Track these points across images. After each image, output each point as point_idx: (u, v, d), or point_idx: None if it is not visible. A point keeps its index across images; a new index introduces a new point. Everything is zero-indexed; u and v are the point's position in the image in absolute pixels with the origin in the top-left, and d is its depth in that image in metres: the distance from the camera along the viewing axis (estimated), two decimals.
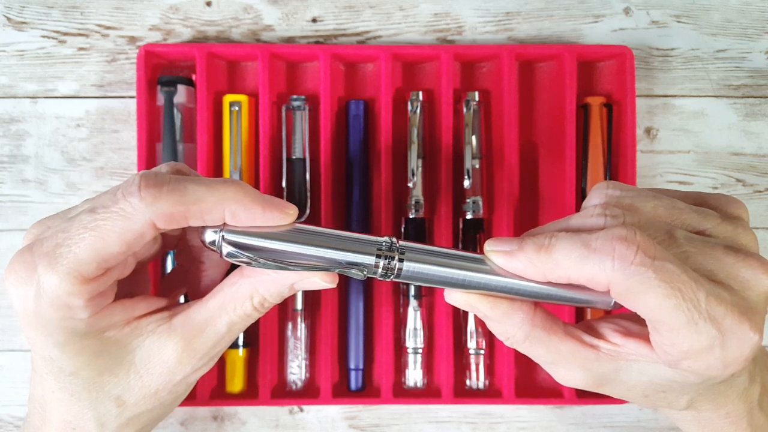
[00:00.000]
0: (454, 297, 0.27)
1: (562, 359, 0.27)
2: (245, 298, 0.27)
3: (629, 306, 0.24)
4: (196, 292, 0.31)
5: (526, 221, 0.42)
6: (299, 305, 0.41)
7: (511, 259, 0.26)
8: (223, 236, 0.25)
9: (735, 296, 0.24)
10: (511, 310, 0.26)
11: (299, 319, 0.42)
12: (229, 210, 0.25)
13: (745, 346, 0.24)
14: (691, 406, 0.28)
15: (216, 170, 0.41)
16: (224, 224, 0.25)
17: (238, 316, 0.28)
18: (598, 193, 0.27)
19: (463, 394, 0.41)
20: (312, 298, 0.42)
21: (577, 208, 0.41)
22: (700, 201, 0.28)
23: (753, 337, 0.24)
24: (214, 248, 0.26)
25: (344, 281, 0.42)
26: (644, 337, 0.26)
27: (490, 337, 0.42)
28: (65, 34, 0.43)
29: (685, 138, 0.44)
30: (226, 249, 0.25)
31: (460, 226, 0.42)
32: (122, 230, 0.24)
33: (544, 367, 0.28)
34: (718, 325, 0.23)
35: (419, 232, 0.41)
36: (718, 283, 0.24)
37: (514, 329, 0.27)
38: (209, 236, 0.26)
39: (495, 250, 0.26)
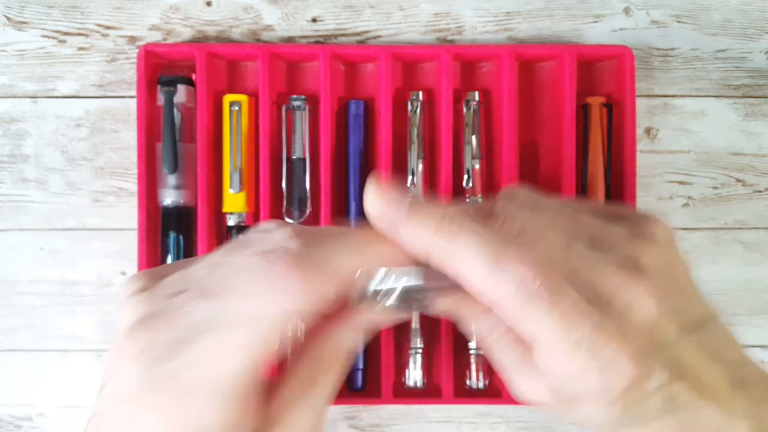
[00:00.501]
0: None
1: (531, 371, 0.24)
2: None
3: (513, 322, 0.23)
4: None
5: None
6: None
7: (393, 226, 0.23)
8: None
9: (616, 322, 0.22)
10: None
11: (299, 320, 0.41)
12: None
13: (621, 376, 0.22)
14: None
15: (216, 170, 0.41)
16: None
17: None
18: (505, 192, 0.24)
19: (463, 394, 0.41)
20: None
21: None
22: (615, 216, 0.25)
23: (628, 366, 0.22)
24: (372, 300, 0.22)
25: None
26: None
27: None
28: (65, 33, 0.43)
29: (685, 138, 0.44)
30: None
31: None
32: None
33: (508, 375, 0.25)
34: (597, 356, 0.22)
35: None
36: (604, 305, 0.22)
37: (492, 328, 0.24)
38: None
39: (375, 213, 0.23)
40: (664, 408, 0.23)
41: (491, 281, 0.21)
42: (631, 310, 0.22)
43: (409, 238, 0.23)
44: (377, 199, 0.23)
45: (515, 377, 0.25)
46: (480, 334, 0.25)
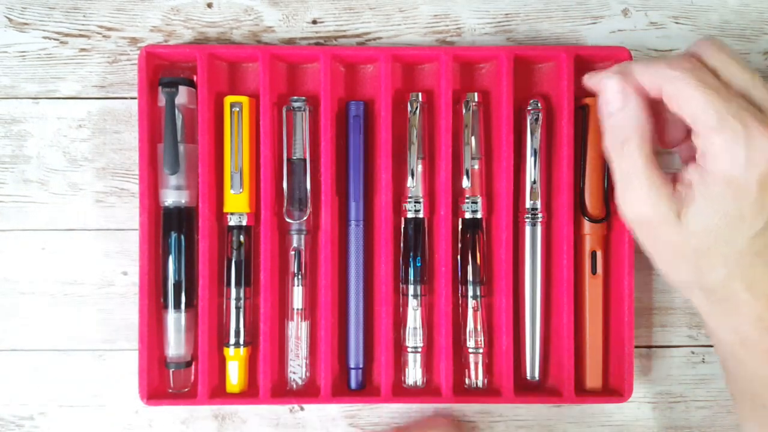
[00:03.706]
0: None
1: (645, 183, 0.31)
2: None
3: (677, 108, 0.31)
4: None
5: (525, 221, 0.42)
6: (300, 304, 0.42)
7: (606, 77, 0.33)
8: None
9: (765, 115, 0.30)
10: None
11: (300, 318, 0.42)
12: None
13: (766, 148, 0.29)
14: (726, 285, 0.31)
15: (217, 171, 0.41)
16: None
17: None
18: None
19: (462, 392, 0.42)
20: (312, 297, 0.42)
21: (576, 208, 0.42)
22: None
23: None
24: None
25: (345, 280, 0.42)
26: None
27: (489, 336, 0.42)
28: (67, 35, 0.43)
29: None
30: None
31: (460, 226, 0.42)
32: None
33: (622, 182, 0.33)
34: (744, 124, 0.29)
35: (418, 231, 0.41)
36: (764, 112, 0.30)
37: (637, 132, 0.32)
38: None
39: (597, 76, 0.34)
40: (755, 241, 0.30)
41: (670, 78, 0.31)
42: None
43: (645, 76, 0.32)
44: (608, 71, 0.34)
45: (626, 190, 0.32)
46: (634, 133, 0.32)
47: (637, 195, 0.32)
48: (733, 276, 0.31)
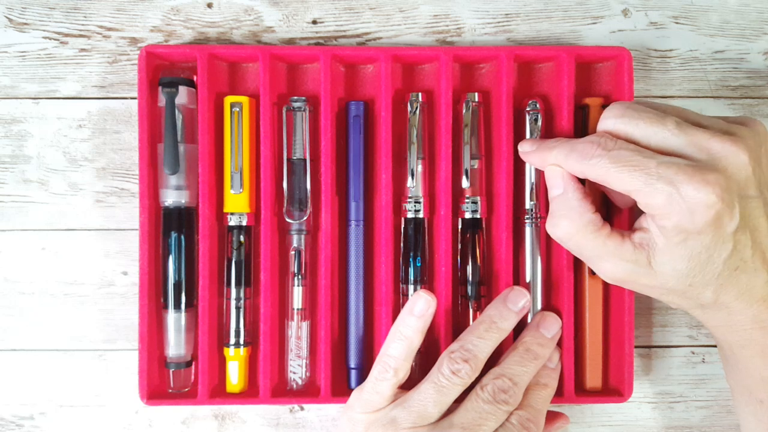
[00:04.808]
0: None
1: (606, 254, 0.34)
2: None
3: (608, 187, 0.33)
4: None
5: (524, 221, 0.42)
6: (300, 304, 0.42)
7: (528, 154, 0.38)
8: None
9: (692, 162, 0.31)
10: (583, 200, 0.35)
11: (300, 318, 0.42)
12: None
13: (700, 193, 0.30)
14: (717, 300, 0.33)
15: (217, 171, 0.41)
16: None
17: None
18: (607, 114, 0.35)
19: None
20: (312, 297, 0.42)
21: None
22: (713, 117, 0.35)
23: (708, 187, 0.30)
24: None
25: (345, 280, 0.42)
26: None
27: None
28: (67, 35, 0.43)
29: None
30: None
31: (459, 226, 0.42)
32: None
33: (590, 262, 0.36)
34: (670, 180, 0.30)
35: (418, 231, 0.41)
36: (685, 157, 0.31)
37: (576, 219, 0.34)
38: None
39: (521, 151, 0.39)
40: (730, 262, 0.32)
41: (587, 167, 0.34)
42: (718, 157, 0.31)
43: (567, 167, 0.35)
44: (527, 154, 0.38)
45: (595, 263, 0.35)
46: (571, 220, 0.35)
47: (607, 266, 0.34)
48: (721, 292, 0.33)
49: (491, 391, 0.36)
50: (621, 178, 0.32)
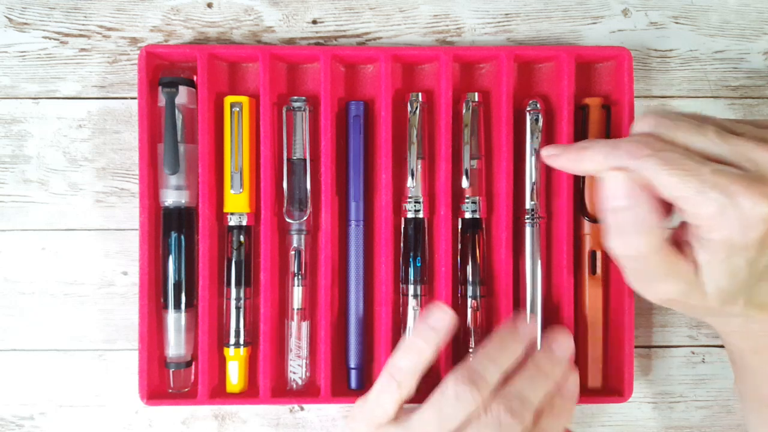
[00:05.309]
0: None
1: (666, 273, 0.31)
2: None
3: (656, 192, 0.30)
4: None
5: (525, 221, 0.42)
6: (300, 304, 0.42)
7: (556, 157, 0.34)
8: None
9: (745, 172, 0.29)
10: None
11: (300, 318, 0.42)
12: None
13: (758, 207, 0.28)
14: (743, 311, 0.31)
15: (217, 171, 0.41)
16: None
17: None
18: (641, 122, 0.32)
19: None
20: (312, 297, 0.42)
21: (576, 208, 0.42)
22: (741, 120, 0.32)
23: (765, 200, 0.28)
24: None
25: (345, 280, 0.42)
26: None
27: (489, 336, 0.42)
28: (67, 35, 0.43)
29: None
30: None
31: (459, 226, 0.42)
32: None
33: (645, 282, 0.32)
34: (724, 190, 0.28)
35: (418, 231, 0.41)
36: (732, 165, 0.29)
37: (652, 236, 0.31)
38: None
39: (546, 155, 0.35)
40: (764, 273, 0.30)
41: (634, 167, 0.30)
42: (764, 165, 0.29)
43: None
44: (554, 158, 0.34)
45: (647, 285, 0.32)
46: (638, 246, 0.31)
47: (663, 288, 0.31)
48: (748, 303, 0.31)
49: (498, 415, 0.33)
50: (671, 183, 0.29)
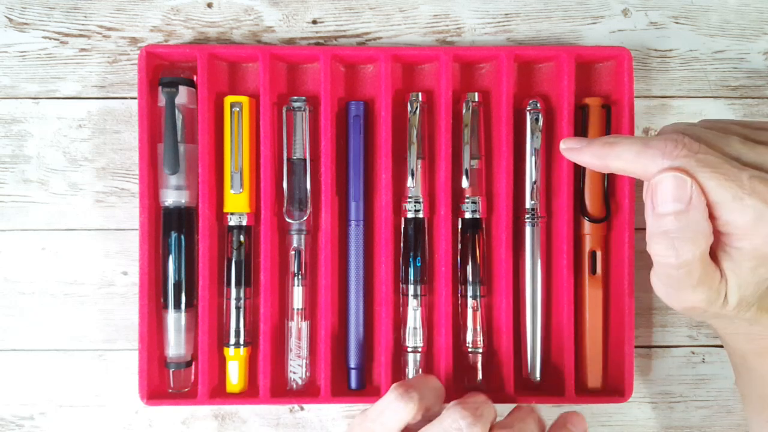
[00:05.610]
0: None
1: (701, 281, 0.29)
2: None
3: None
4: None
5: (525, 221, 0.42)
6: (300, 304, 0.42)
7: (579, 153, 0.32)
8: None
9: None
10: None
11: (300, 318, 0.42)
12: None
13: None
14: (754, 316, 0.31)
15: (217, 171, 0.41)
16: None
17: None
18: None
19: (461, 392, 0.41)
20: (312, 297, 0.42)
21: (576, 208, 0.42)
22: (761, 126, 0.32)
23: None
24: None
25: (345, 280, 0.42)
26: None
27: (489, 336, 0.42)
28: (67, 35, 0.43)
29: None
30: None
31: (459, 226, 0.42)
32: None
33: (679, 290, 0.30)
34: (762, 198, 0.27)
35: (418, 231, 0.41)
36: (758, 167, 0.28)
37: (703, 243, 0.29)
38: None
39: (566, 147, 0.33)
40: None
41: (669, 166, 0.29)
42: None
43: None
44: (576, 152, 0.33)
45: (680, 293, 0.30)
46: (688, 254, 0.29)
47: (693, 297, 0.30)
48: (760, 308, 0.31)
49: None
50: (709, 187, 0.28)
